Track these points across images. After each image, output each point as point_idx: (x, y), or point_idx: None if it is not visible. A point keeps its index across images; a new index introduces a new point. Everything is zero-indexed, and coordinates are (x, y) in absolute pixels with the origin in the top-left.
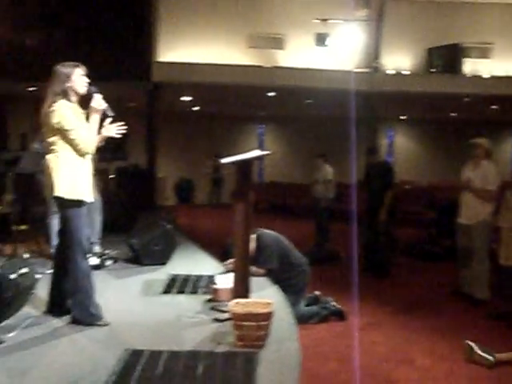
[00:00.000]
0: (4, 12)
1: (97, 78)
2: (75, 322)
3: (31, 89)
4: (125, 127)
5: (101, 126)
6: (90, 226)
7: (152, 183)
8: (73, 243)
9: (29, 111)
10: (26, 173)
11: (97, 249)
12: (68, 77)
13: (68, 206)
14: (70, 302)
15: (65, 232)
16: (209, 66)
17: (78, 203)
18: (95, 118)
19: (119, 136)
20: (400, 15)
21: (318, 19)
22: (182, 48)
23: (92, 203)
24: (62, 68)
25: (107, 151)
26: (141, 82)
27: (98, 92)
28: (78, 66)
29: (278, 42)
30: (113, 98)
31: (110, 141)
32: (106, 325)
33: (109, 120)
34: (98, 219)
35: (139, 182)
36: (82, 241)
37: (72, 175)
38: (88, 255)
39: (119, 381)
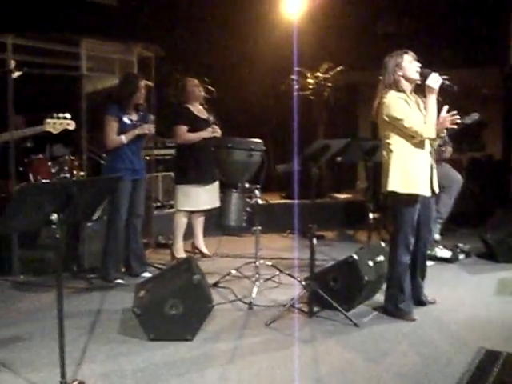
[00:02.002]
0: (357, 1)
1: (448, 66)
2: (386, 313)
3: (381, 77)
4: (458, 117)
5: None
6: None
7: (507, 175)
8: (398, 237)
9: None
10: (380, 161)
11: (439, 222)
12: (397, 65)
13: (401, 200)
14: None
15: (395, 225)
16: None
17: (412, 198)
18: (432, 98)
19: (454, 127)
20: None
21: None
22: None
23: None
24: (391, 58)
25: (464, 142)
26: (497, 67)
27: (432, 72)
28: (406, 52)
29: None
30: (466, 85)
31: (467, 131)
32: (413, 320)
33: (445, 110)
34: (449, 198)
35: (493, 174)
36: (408, 236)
37: (405, 169)
38: (438, 247)
39: (474, 380)
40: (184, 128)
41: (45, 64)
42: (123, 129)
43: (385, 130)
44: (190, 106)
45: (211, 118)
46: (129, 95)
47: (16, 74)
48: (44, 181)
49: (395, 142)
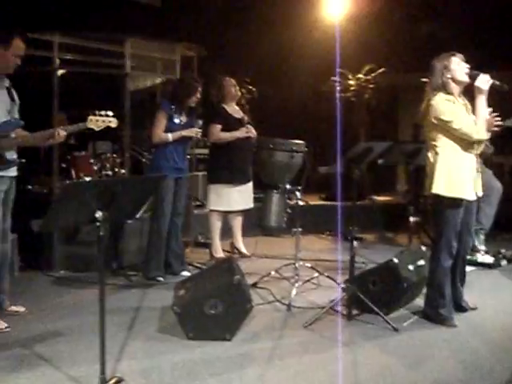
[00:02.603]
0: (397, 1)
1: (492, 66)
2: (426, 318)
3: (423, 79)
4: (499, 119)
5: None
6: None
7: None
8: (441, 241)
9: (420, 102)
10: (423, 165)
11: (482, 232)
12: (445, 68)
13: (445, 203)
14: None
15: (438, 229)
16: None
17: (456, 201)
18: (481, 99)
19: (496, 129)
20: None
21: None
22: None
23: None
24: (438, 61)
25: (506, 145)
26: None
27: (481, 73)
28: (454, 54)
29: None
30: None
31: (509, 134)
32: (454, 326)
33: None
34: (490, 208)
35: None
36: (451, 240)
37: (451, 172)
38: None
39: None
40: (218, 127)
41: (90, 62)
42: (171, 128)
43: (432, 132)
44: (225, 106)
45: (245, 118)
46: (184, 97)
47: (60, 72)
48: (87, 178)
49: (442, 144)
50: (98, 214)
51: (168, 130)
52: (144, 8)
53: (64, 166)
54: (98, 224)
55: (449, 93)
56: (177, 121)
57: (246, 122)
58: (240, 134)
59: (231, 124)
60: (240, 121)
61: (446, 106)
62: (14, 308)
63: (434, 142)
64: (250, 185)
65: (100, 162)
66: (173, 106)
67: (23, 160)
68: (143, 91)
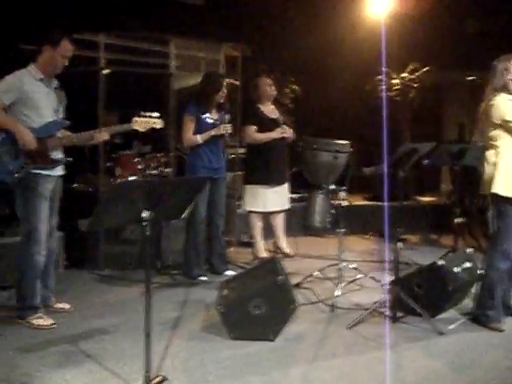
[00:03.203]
0: None
1: None
2: (473, 320)
3: (469, 78)
4: None
5: None
6: None
7: None
8: (497, 241)
9: (466, 101)
10: (469, 165)
11: None
12: (506, 69)
13: (503, 203)
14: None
15: (495, 229)
16: None
17: None
18: None
19: None
20: None
21: None
22: None
23: None
24: (499, 62)
25: None
26: None
27: None
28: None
29: None
30: None
31: None
32: (501, 331)
33: None
34: None
35: None
36: (509, 242)
37: (511, 172)
38: None
39: None
40: (253, 128)
41: (135, 62)
42: (204, 127)
43: (493, 132)
44: (260, 106)
45: (281, 118)
46: (211, 94)
47: (105, 72)
48: (132, 177)
49: (503, 144)
50: (145, 214)
51: (200, 130)
52: (188, 8)
53: (109, 164)
54: (144, 224)
55: (510, 93)
56: (209, 120)
57: (281, 123)
58: (275, 134)
59: (266, 124)
60: (275, 121)
61: (509, 106)
62: (59, 305)
63: (494, 142)
64: (286, 186)
65: (145, 161)
66: (201, 106)
67: (70, 159)
68: (187, 91)
